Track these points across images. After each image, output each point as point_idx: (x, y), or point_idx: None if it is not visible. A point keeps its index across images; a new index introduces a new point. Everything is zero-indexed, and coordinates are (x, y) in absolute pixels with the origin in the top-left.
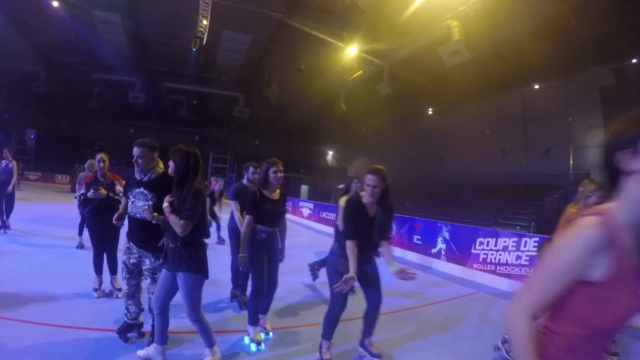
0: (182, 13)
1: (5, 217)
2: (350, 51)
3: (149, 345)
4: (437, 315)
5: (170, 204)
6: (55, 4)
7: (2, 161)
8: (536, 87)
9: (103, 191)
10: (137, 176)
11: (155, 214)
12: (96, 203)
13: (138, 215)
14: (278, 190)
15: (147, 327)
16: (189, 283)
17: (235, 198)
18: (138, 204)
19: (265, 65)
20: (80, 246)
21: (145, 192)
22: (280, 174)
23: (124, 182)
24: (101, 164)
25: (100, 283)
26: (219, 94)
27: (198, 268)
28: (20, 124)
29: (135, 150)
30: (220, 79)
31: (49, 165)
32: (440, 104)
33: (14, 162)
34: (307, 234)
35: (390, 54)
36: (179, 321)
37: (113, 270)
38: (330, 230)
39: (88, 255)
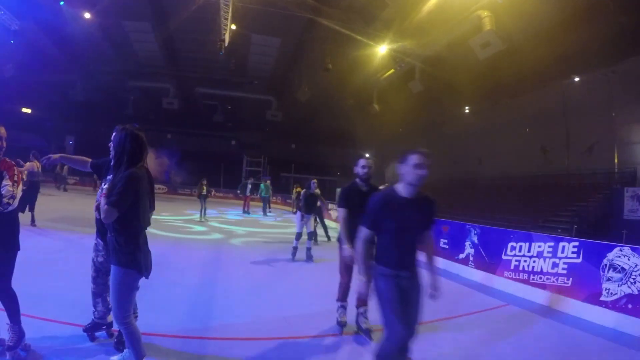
0: (209, 19)
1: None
2: (381, 50)
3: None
4: (456, 333)
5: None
6: (87, 16)
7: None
8: (576, 79)
9: None
10: (112, 162)
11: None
12: None
13: None
14: None
15: (116, 326)
16: (118, 277)
17: None
18: None
19: (296, 67)
20: None
21: None
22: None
23: (21, 176)
24: None
25: None
26: (252, 98)
27: (128, 262)
28: (59, 131)
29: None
30: (252, 83)
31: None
32: (476, 101)
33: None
34: None
35: (420, 50)
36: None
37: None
38: None
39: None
